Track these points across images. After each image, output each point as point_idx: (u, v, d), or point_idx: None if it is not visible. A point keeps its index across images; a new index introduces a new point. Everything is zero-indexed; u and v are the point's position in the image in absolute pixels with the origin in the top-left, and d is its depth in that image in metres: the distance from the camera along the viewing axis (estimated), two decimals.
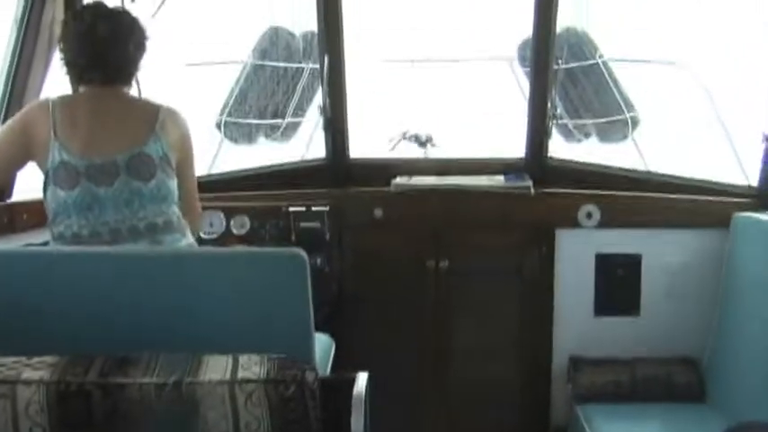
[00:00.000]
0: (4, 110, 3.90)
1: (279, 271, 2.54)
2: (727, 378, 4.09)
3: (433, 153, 5.87)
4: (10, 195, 3.94)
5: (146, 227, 3.21)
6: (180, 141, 3.37)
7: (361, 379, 2.43)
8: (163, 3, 3.96)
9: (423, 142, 5.72)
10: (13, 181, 3.79)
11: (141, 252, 2.96)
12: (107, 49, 3.26)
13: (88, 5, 3.39)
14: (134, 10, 3.59)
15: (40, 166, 3.21)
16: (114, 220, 3.17)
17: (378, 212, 4.46)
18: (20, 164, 3.31)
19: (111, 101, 3.30)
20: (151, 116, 3.30)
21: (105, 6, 3.35)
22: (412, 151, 5.74)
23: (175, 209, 3.33)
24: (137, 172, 3.20)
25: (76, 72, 3.31)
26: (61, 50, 3.32)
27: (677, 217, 4.41)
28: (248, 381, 2.23)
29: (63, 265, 2.61)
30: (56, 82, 3.46)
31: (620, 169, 4.85)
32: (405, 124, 5.85)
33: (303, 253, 2.52)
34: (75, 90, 3.37)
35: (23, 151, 3.22)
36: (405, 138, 5.77)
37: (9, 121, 3.35)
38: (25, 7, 3.93)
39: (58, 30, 3.91)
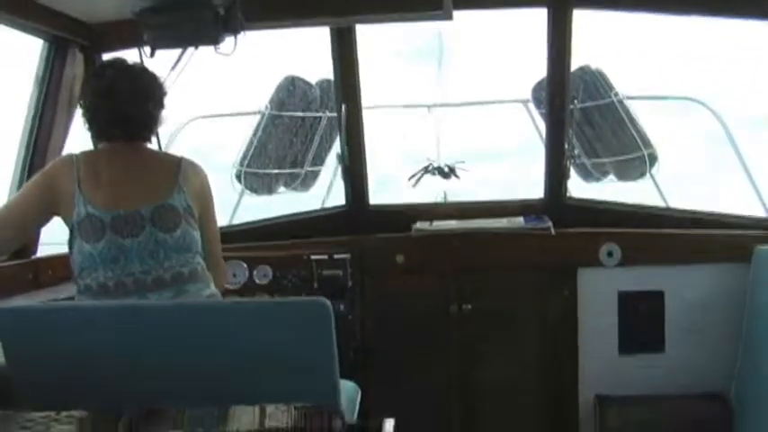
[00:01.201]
0: (27, 167, 3.95)
1: (304, 320, 2.55)
2: (756, 413, 4.06)
3: (453, 195, 5.84)
4: (35, 252, 3.98)
5: (171, 277, 3.20)
6: (201, 192, 3.39)
7: (389, 425, 2.43)
8: (181, 56, 4.00)
9: (446, 173, 5.61)
10: (37, 237, 3.83)
11: (167, 304, 2.98)
12: (127, 107, 3.27)
13: (108, 62, 3.42)
14: (152, 64, 3.65)
15: (66, 221, 3.22)
16: (140, 271, 3.16)
17: (399, 258, 4.48)
18: (45, 219, 3.32)
19: (132, 156, 3.32)
20: (173, 169, 3.32)
21: (126, 63, 3.37)
22: (435, 184, 5.68)
23: (200, 259, 3.33)
24: (162, 223, 3.21)
25: (97, 129, 3.33)
26: (82, 107, 3.34)
27: (698, 252, 4.40)
28: (276, 430, 2.23)
29: (89, 319, 2.62)
30: (77, 140, 3.48)
31: (639, 206, 4.85)
32: (425, 158, 5.77)
33: (327, 302, 2.53)
34: (96, 146, 3.39)
35: (49, 206, 3.23)
36: (427, 171, 5.66)
37: (34, 177, 3.36)
38: (46, 66, 3.99)
39: (78, 88, 3.98)
